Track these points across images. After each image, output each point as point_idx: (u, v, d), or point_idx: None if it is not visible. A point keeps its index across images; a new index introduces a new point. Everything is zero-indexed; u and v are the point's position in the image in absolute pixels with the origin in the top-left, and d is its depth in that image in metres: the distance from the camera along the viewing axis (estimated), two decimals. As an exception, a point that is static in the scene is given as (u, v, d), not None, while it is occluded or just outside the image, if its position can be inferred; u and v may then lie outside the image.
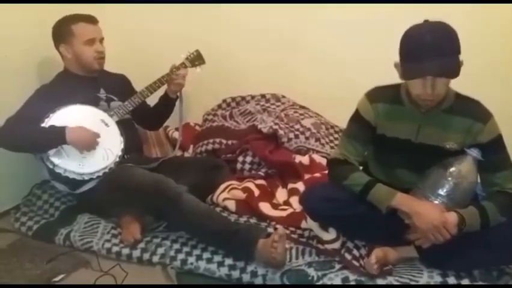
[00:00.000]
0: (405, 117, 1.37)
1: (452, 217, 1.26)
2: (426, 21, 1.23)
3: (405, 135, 1.39)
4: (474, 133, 1.32)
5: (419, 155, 1.37)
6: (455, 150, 1.34)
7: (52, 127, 1.59)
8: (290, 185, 1.92)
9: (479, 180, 1.37)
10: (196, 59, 1.96)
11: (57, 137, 1.57)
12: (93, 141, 1.63)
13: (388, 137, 1.41)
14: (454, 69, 1.18)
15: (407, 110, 1.37)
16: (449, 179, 1.30)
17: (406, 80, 1.28)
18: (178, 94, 1.94)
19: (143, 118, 2.01)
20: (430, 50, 1.18)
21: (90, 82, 1.82)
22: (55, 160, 1.59)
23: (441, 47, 1.18)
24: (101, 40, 1.80)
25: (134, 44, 2.34)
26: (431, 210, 1.27)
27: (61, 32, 1.76)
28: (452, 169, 1.30)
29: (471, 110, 1.33)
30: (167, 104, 1.96)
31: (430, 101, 1.27)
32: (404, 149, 1.39)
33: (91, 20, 1.77)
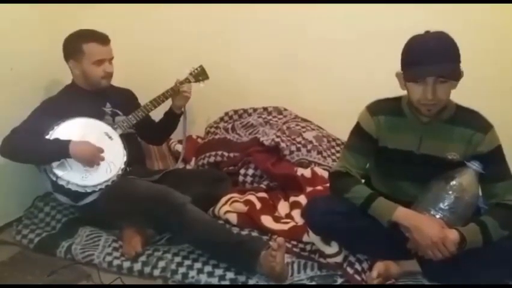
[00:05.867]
0: (407, 129, 1.38)
1: (452, 235, 1.25)
2: (427, 31, 1.26)
3: (407, 147, 1.39)
4: (475, 143, 1.33)
5: (422, 166, 1.37)
6: (457, 161, 1.34)
7: (56, 140, 1.60)
8: (292, 198, 1.91)
9: (480, 193, 1.37)
10: (200, 74, 1.99)
11: (61, 150, 1.58)
12: (96, 156, 1.64)
13: (390, 148, 1.42)
14: (454, 72, 1.21)
15: (408, 122, 1.38)
16: (450, 192, 1.30)
17: (408, 83, 1.29)
18: (183, 109, 1.97)
19: (147, 133, 2.02)
20: (433, 54, 1.21)
21: (96, 96, 1.84)
22: (58, 172, 1.60)
23: (444, 52, 1.22)
24: (111, 60, 1.81)
25: (139, 59, 2.37)
26: (431, 226, 1.27)
27: (72, 48, 1.76)
28: (453, 182, 1.30)
29: (472, 121, 1.34)
30: (172, 119, 1.99)
31: (431, 106, 1.28)
32: (406, 161, 1.40)
33: (103, 40, 1.77)
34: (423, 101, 1.27)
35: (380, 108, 1.43)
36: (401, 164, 1.41)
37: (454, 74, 1.22)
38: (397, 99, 1.42)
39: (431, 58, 1.21)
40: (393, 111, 1.40)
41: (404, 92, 1.37)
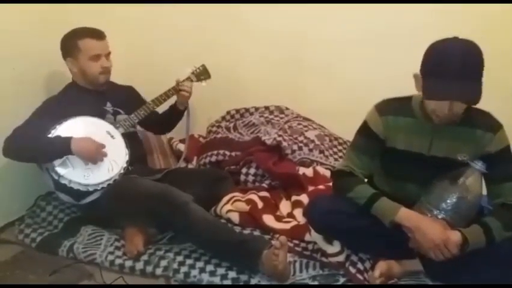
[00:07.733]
0: (417, 130, 1.35)
1: (455, 236, 1.25)
2: (456, 38, 1.19)
3: (417, 149, 1.36)
4: (484, 143, 1.31)
5: (430, 168, 1.35)
6: (466, 162, 1.32)
7: (58, 137, 1.61)
8: (294, 197, 1.91)
9: (484, 193, 1.36)
10: (202, 74, 2.01)
11: (63, 146, 1.58)
12: (98, 152, 1.64)
13: (399, 149, 1.38)
14: (476, 95, 1.15)
15: (419, 123, 1.35)
16: (453, 192, 1.29)
17: (425, 97, 1.25)
18: (186, 106, 1.99)
19: (151, 124, 2.06)
20: (457, 72, 1.14)
21: (97, 95, 1.84)
22: (60, 171, 1.60)
23: (469, 71, 1.15)
24: (108, 55, 1.81)
25: (141, 59, 2.37)
26: (433, 228, 1.26)
27: (68, 47, 1.78)
28: (456, 182, 1.29)
29: (482, 121, 1.32)
30: (176, 114, 2.03)
31: (445, 119, 1.25)
32: (415, 163, 1.37)
33: (98, 35, 1.77)
34: (438, 113, 1.24)
35: (389, 108, 1.39)
36: (409, 166, 1.39)
37: (475, 97, 1.14)
38: (407, 99, 1.38)
39: (455, 76, 1.14)
40: (403, 112, 1.36)
41: (413, 92, 1.34)
